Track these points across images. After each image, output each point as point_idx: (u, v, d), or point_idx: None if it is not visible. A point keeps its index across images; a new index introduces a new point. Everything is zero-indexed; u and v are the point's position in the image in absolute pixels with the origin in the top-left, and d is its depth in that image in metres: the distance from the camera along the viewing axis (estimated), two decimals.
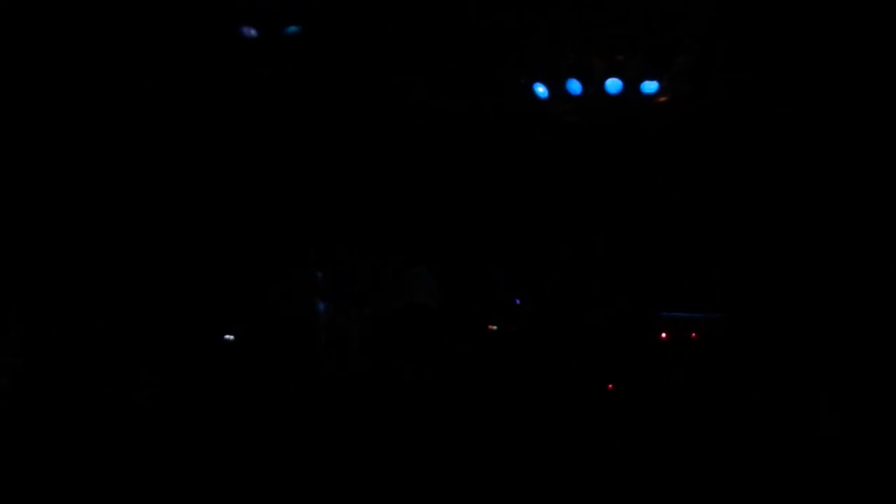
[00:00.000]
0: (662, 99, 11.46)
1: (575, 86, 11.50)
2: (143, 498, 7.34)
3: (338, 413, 9.08)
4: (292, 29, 11.43)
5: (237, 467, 7.74)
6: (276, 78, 11.56)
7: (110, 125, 11.27)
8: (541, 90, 11.65)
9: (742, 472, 8.64)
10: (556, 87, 11.58)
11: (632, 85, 11.42)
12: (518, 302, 11.88)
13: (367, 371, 10.64)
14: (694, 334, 11.50)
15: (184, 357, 10.19)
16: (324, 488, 7.62)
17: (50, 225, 10.89)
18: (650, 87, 11.43)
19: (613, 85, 11.43)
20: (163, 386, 9.37)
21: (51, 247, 10.80)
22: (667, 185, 11.64)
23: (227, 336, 10.89)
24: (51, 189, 10.95)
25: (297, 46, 11.47)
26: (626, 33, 11.35)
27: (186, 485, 7.50)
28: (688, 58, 11.26)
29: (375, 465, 7.96)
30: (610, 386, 10.82)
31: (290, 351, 10.52)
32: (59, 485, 7.35)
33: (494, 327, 11.72)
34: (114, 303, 10.66)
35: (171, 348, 10.26)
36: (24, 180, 10.89)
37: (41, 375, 9.37)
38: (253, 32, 11.39)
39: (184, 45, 11.26)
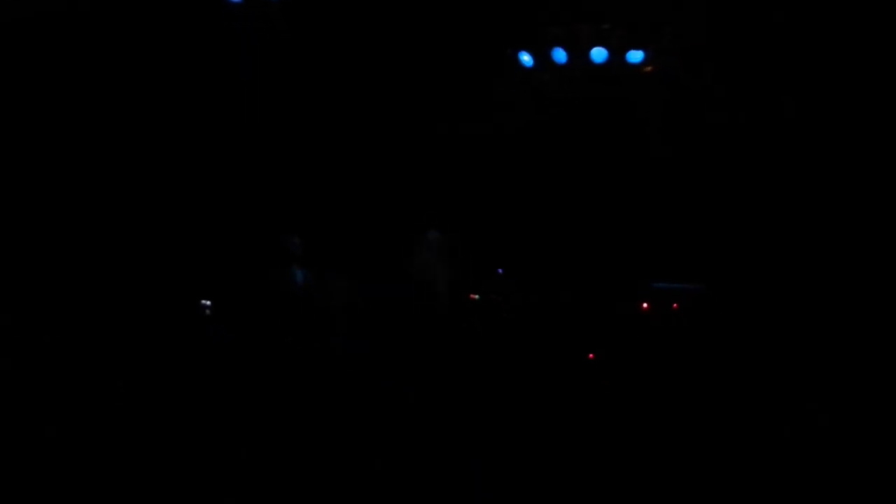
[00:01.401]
0: (648, 69, 11.41)
1: (560, 55, 11.46)
2: (132, 490, 7.33)
3: (320, 397, 9.03)
4: None
5: (223, 454, 7.72)
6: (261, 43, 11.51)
7: (91, 117, 11.24)
8: (526, 59, 11.60)
9: (725, 446, 8.63)
10: (542, 56, 11.54)
11: (617, 54, 11.38)
12: (500, 271, 11.86)
13: (349, 347, 10.62)
14: (675, 305, 11.48)
15: (163, 336, 10.15)
16: (307, 474, 7.61)
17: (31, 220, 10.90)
18: (636, 56, 11.39)
19: (599, 54, 11.38)
20: (144, 370, 9.32)
21: (31, 240, 10.81)
22: (651, 159, 11.60)
23: (204, 301, 10.86)
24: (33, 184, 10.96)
25: (281, 13, 11.44)
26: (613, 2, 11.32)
27: (176, 471, 7.51)
28: (675, 28, 11.21)
29: (359, 450, 7.92)
30: (591, 356, 10.80)
31: (267, 322, 10.48)
32: (56, 484, 7.35)
33: (476, 296, 11.71)
34: (92, 275, 10.66)
35: (149, 324, 10.24)
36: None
37: (32, 375, 9.33)
38: None
39: (171, 9, 11.24)
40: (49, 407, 8.62)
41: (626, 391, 10.26)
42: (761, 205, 10.97)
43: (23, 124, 11.05)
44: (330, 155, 11.97)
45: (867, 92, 10.49)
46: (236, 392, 9.29)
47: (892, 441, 7.87)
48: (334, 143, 12.01)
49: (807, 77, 10.74)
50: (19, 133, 11.04)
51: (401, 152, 12.07)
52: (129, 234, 11.26)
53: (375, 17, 11.68)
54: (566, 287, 11.55)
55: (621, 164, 11.89)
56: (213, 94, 11.56)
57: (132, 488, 7.43)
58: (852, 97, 10.55)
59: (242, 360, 10.07)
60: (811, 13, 10.56)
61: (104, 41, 11.24)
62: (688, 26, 11.16)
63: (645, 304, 11.48)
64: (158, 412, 8.67)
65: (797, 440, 8.49)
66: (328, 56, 11.84)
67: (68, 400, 8.85)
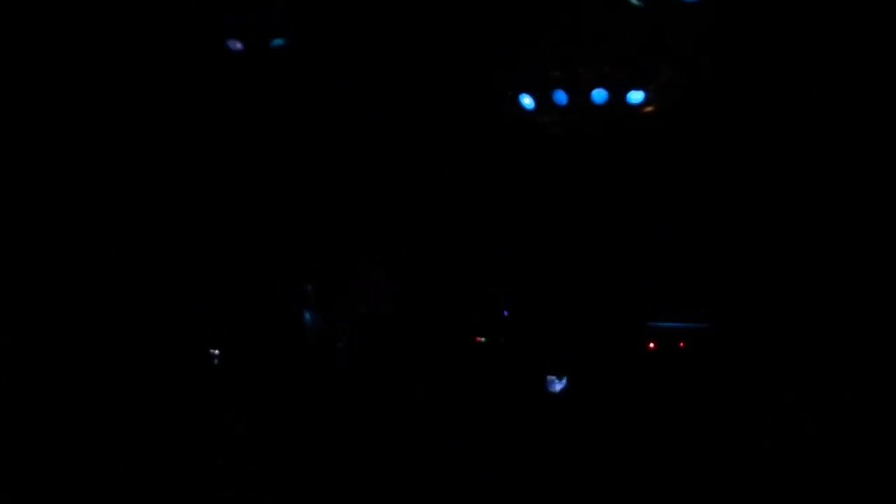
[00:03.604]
0: (649, 109, 11.46)
1: (561, 96, 11.51)
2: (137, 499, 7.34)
3: (327, 424, 9.05)
4: (278, 42, 11.44)
5: (228, 473, 7.73)
6: (261, 90, 11.57)
7: (97, 134, 11.27)
8: (527, 101, 11.65)
9: (732, 482, 8.62)
10: (543, 98, 11.59)
11: (618, 95, 11.42)
12: (506, 314, 11.86)
13: (354, 381, 10.63)
14: (682, 344, 11.48)
15: (173, 370, 10.15)
16: (314, 492, 7.62)
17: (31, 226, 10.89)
18: (636, 97, 11.44)
19: (599, 95, 11.43)
20: (154, 398, 9.32)
21: (32, 248, 10.79)
22: (655, 196, 11.63)
23: (213, 350, 10.87)
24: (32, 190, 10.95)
25: (283, 59, 11.49)
26: (613, 44, 11.36)
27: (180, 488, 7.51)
28: (675, 68, 11.26)
29: (364, 473, 7.93)
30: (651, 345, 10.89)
31: (279, 361, 10.50)
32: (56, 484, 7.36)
33: (482, 339, 11.70)
34: (102, 313, 10.64)
35: (160, 359, 10.23)
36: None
37: (32, 375, 9.33)
38: (239, 46, 11.40)
39: (171, 57, 11.28)
40: (48, 407, 8.64)
41: (635, 429, 10.25)
42: (768, 241, 10.98)
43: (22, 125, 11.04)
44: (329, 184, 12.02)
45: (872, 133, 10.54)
46: (240, 392, 9.34)
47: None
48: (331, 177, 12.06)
49: (813, 107, 10.77)
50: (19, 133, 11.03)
51: (405, 189, 12.12)
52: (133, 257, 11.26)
53: (374, 61, 11.75)
54: (572, 327, 11.56)
55: (624, 203, 11.93)
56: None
57: (132, 488, 7.43)
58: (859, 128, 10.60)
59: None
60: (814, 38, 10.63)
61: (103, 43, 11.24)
62: (688, 66, 11.21)
63: (651, 344, 11.49)
64: (159, 419, 8.70)
65: (807, 481, 8.51)
66: (323, 102, 11.92)
67: (68, 400, 8.87)
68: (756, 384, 10.33)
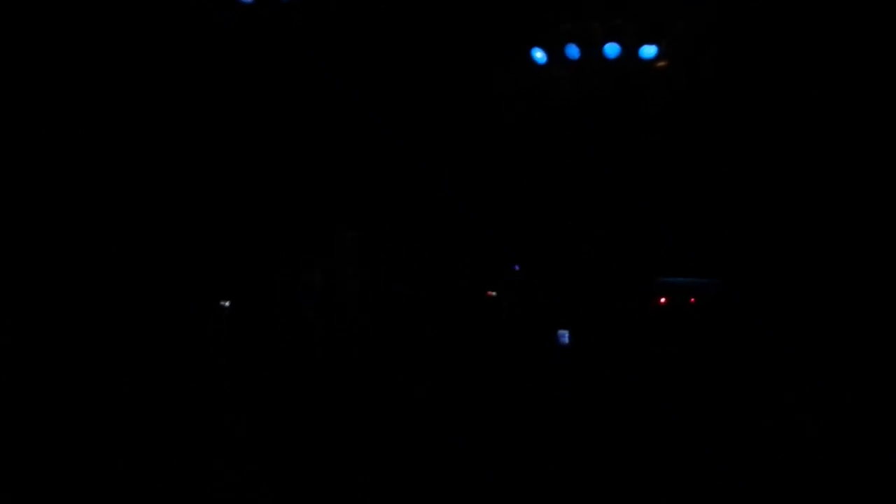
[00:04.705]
0: (661, 64, 11.38)
1: (573, 50, 11.43)
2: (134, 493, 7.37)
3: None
4: None
5: (228, 473, 7.76)
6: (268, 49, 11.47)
7: (89, 118, 11.20)
8: (539, 55, 11.58)
9: (741, 440, 8.66)
10: (555, 52, 11.51)
11: (630, 49, 11.35)
12: (517, 268, 11.88)
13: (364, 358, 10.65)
14: (693, 300, 11.51)
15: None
16: (314, 492, 7.65)
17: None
18: (649, 51, 11.36)
19: (612, 49, 11.36)
20: (154, 398, 9.33)
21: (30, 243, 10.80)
22: (666, 153, 11.57)
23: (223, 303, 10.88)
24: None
25: (292, 14, 11.40)
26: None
27: (178, 474, 7.55)
28: (688, 23, 11.16)
29: (364, 472, 7.95)
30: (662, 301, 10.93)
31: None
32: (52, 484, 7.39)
33: (493, 293, 11.74)
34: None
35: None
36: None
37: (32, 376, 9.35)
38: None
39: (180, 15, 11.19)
40: (48, 407, 8.68)
41: (644, 385, 10.31)
42: (775, 197, 10.94)
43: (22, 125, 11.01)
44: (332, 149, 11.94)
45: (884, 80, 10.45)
46: (240, 392, 9.37)
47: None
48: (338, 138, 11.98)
49: (823, 66, 10.68)
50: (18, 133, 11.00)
51: (408, 148, 12.04)
52: (137, 235, 11.24)
53: (383, 14, 11.62)
54: (583, 282, 11.58)
55: (633, 158, 11.87)
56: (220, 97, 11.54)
57: (132, 488, 7.48)
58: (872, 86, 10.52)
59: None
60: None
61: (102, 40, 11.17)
62: (702, 20, 11.10)
63: (662, 299, 11.52)
64: (161, 412, 8.74)
65: (809, 438, 8.55)
66: (332, 51, 11.80)
67: (68, 400, 8.92)
68: (765, 340, 10.39)
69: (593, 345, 10.86)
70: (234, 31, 11.37)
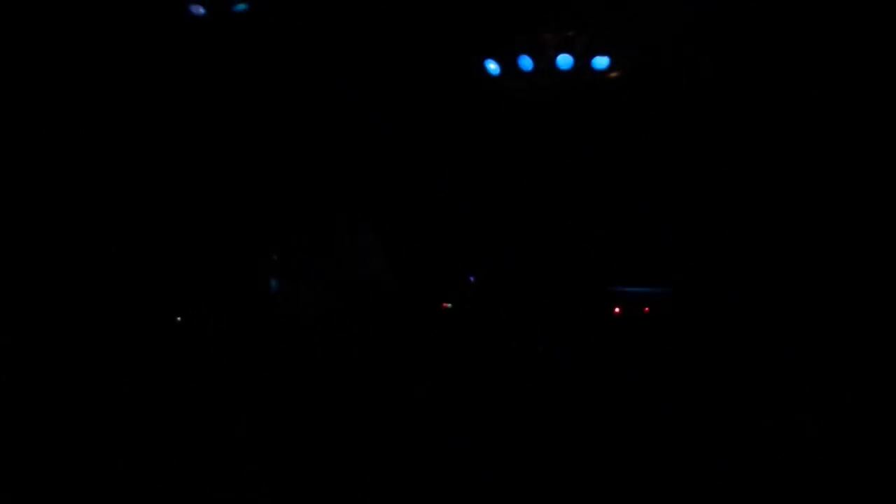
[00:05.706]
0: (614, 74, 11.46)
1: (526, 62, 11.48)
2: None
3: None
4: (241, 7, 11.31)
5: (228, 473, 7.72)
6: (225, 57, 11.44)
7: (89, 118, 11.11)
8: (492, 67, 11.62)
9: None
10: (508, 64, 11.55)
11: (583, 60, 11.42)
12: (472, 279, 11.88)
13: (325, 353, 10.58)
14: (647, 309, 11.57)
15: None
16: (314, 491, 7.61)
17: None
18: (601, 62, 11.44)
19: (565, 61, 11.42)
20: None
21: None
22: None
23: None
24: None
25: (246, 25, 11.36)
26: (577, 9, 11.33)
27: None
28: (641, 33, 11.25)
29: (364, 472, 7.92)
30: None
31: (248, 334, 10.45)
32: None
33: (448, 305, 11.73)
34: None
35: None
36: None
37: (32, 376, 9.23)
38: (202, 11, 11.26)
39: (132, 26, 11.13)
40: (48, 407, 8.59)
41: (600, 394, 10.33)
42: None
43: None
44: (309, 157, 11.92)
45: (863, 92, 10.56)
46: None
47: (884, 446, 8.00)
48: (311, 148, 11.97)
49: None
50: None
51: (368, 155, 12.04)
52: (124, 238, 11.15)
53: (339, 28, 11.63)
54: (537, 291, 11.59)
55: (588, 168, 11.93)
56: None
57: (132, 488, 7.43)
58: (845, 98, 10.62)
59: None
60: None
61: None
62: (656, 31, 11.19)
63: (616, 309, 11.56)
64: (161, 412, 8.67)
65: (780, 444, 8.60)
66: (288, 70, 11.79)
67: (68, 400, 8.82)
68: (721, 349, 10.44)
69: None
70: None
